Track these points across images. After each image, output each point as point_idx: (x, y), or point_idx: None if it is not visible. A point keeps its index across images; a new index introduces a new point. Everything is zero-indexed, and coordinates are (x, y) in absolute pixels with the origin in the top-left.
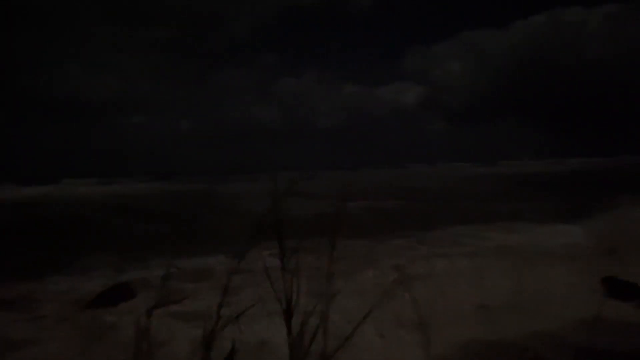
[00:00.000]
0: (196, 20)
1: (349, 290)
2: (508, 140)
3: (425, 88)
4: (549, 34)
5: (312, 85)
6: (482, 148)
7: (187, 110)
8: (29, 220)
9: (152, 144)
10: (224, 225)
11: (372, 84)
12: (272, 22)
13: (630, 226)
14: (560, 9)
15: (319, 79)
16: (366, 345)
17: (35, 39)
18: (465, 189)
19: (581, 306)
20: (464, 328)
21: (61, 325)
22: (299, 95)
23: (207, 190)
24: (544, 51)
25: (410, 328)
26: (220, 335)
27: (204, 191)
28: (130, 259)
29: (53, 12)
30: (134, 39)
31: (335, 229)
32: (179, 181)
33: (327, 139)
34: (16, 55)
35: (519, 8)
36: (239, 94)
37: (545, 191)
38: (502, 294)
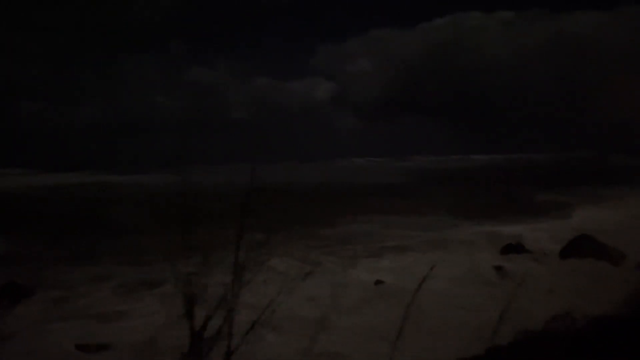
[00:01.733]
0: (101, 1)
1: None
2: (417, 136)
3: (336, 84)
4: (451, 37)
5: (224, 76)
6: (393, 144)
7: (88, 98)
8: None
9: (45, 132)
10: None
11: (284, 78)
12: (183, 9)
13: None
14: (462, 14)
15: (231, 70)
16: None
17: None
18: (370, 184)
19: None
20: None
21: None
22: (210, 86)
23: (108, 184)
24: (446, 53)
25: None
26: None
27: (103, 185)
28: None
29: None
30: (31, 19)
31: (241, 223)
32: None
33: (238, 132)
34: None
35: (425, 10)
36: (145, 83)
37: (451, 186)
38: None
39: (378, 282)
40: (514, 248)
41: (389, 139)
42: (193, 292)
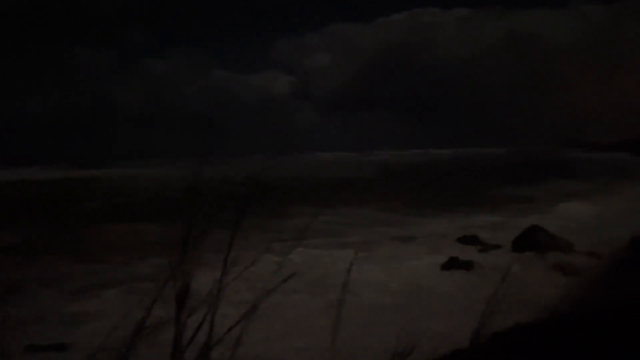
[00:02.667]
0: None
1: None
2: (379, 131)
3: (295, 78)
4: (409, 32)
5: (180, 68)
6: (356, 138)
7: (35, 90)
8: None
9: None
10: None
11: (243, 71)
12: None
13: None
14: (419, 9)
15: (188, 62)
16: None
17: None
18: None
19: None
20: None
21: None
22: (165, 78)
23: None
24: (405, 48)
25: None
26: None
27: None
28: None
29: None
30: None
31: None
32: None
33: (194, 125)
34: None
35: (383, 5)
36: (98, 74)
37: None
38: None
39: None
40: (470, 240)
41: (351, 134)
42: (183, 288)
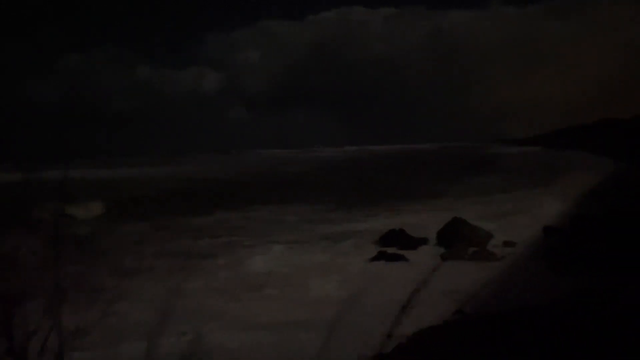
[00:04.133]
0: None
1: None
2: (312, 128)
3: (225, 75)
4: (337, 30)
5: (102, 64)
6: (291, 135)
7: None
8: None
9: None
10: None
11: (170, 67)
12: None
13: None
14: (347, 8)
15: (111, 58)
16: None
17: None
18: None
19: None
20: None
21: None
22: (86, 74)
23: None
24: (334, 45)
25: None
26: None
27: None
28: None
29: None
30: None
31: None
32: None
33: (120, 124)
34: None
35: (312, 3)
36: (12, 70)
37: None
38: None
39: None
40: (396, 235)
41: (288, 131)
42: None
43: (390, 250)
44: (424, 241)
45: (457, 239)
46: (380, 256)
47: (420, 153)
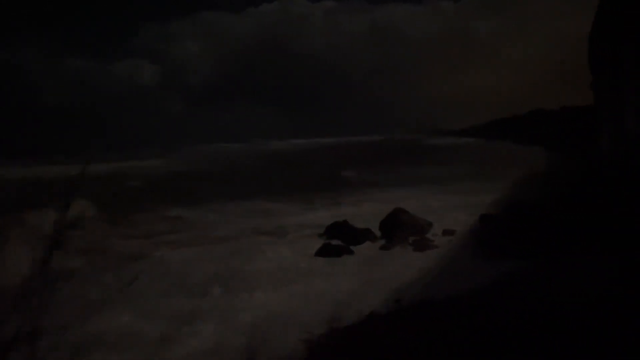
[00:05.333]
0: None
1: None
2: (257, 121)
3: (162, 67)
4: (279, 23)
5: (28, 57)
6: (235, 129)
7: None
8: None
9: None
10: None
11: (102, 60)
12: None
13: None
14: (288, 1)
15: (40, 51)
16: None
17: None
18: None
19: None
20: None
21: None
22: (15, 68)
23: None
24: (276, 38)
25: None
26: None
27: None
28: None
29: None
30: None
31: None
32: None
33: (51, 119)
34: None
35: None
36: None
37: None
38: None
39: None
40: (338, 227)
41: (231, 125)
42: None
43: (335, 242)
44: (367, 232)
45: (398, 229)
46: (324, 249)
47: (365, 145)
